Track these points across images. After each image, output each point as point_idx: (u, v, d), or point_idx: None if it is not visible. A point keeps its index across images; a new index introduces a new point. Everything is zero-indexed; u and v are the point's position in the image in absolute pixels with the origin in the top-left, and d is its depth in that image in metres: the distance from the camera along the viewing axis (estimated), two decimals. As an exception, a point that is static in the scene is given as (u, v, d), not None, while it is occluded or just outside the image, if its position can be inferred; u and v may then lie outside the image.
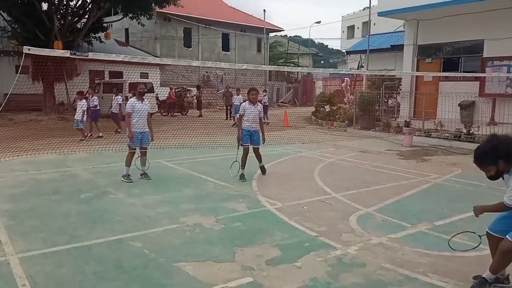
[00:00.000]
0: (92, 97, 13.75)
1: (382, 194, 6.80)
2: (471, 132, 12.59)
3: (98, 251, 4.37)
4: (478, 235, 3.76)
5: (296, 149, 11.36)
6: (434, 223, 5.36)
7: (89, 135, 13.10)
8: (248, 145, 7.76)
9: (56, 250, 4.35)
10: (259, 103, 7.94)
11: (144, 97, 7.59)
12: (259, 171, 8.10)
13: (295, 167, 8.87)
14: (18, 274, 3.77)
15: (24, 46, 5.72)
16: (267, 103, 20.31)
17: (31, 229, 4.95)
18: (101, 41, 22.88)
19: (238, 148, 7.78)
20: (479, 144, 3.52)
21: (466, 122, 13.50)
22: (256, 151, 7.91)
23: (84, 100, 12.86)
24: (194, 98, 25.29)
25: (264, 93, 20.96)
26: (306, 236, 4.89)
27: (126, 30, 33.47)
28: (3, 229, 4.92)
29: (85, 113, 12.72)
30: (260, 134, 7.90)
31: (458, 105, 14.74)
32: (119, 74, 23.85)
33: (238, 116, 8.12)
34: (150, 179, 7.50)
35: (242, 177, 7.59)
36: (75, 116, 12.72)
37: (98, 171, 8.34)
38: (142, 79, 23.09)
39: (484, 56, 14.62)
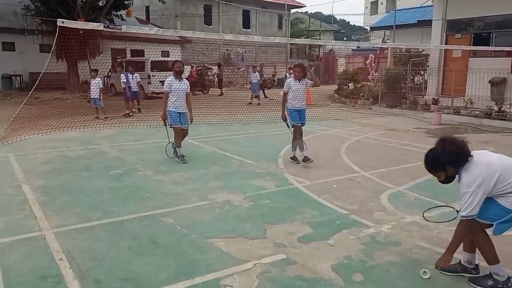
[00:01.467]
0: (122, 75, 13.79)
1: (412, 173, 6.65)
2: (502, 109, 12.18)
3: (131, 226, 4.41)
4: (456, 210, 3.58)
5: (320, 127, 11.21)
6: (469, 202, 5.20)
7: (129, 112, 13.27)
8: (299, 124, 7.10)
9: (90, 225, 4.42)
10: (305, 79, 7.12)
11: (182, 76, 7.22)
12: (284, 150, 8.01)
13: (321, 146, 8.74)
14: (55, 248, 3.84)
15: (58, 19, 5.67)
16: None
17: (64, 205, 5.03)
18: (122, 19, 22.86)
19: (289, 127, 7.20)
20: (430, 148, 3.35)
21: (497, 100, 13.05)
22: (301, 130, 7.20)
23: (98, 78, 12.78)
24: (215, 76, 25.21)
25: (290, 71, 20.59)
26: (337, 214, 4.82)
27: (147, 8, 33.37)
28: (37, 204, 5.02)
29: (101, 90, 12.69)
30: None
31: (489, 82, 14.22)
32: (141, 53, 23.92)
33: (282, 94, 7.37)
34: (185, 162, 7.11)
35: (295, 159, 7.14)
36: (91, 94, 12.67)
37: (125, 149, 8.42)
38: (164, 58, 23.14)
39: (517, 30, 13.99)
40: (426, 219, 3.91)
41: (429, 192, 5.62)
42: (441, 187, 5.83)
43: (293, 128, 7.15)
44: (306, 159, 7.00)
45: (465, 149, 3.16)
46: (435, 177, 3.41)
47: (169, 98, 7.07)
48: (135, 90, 14.07)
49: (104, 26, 6.27)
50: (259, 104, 17.40)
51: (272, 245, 3.96)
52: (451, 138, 3.28)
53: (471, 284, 3.30)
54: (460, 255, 3.49)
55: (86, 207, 4.97)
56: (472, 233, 3.25)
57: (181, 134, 7.22)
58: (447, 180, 3.33)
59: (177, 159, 7.17)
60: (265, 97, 19.88)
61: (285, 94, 7.16)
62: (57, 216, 4.67)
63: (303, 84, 7.12)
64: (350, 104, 17.48)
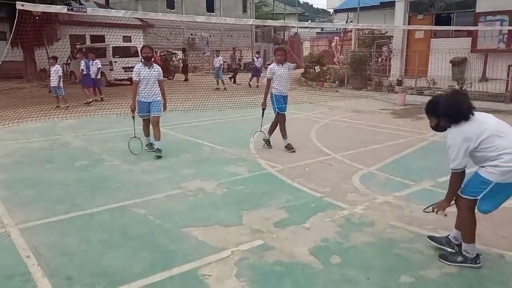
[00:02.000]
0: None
1: (381, 153, 6.77)
2: (464, 89, 12.56)
3: (101, 219, 4.26)
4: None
5: (289, 111, 11.16)
6: (437, 180, 5.34)
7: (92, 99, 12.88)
8: (284, 113, 7.02)
9: (57, 219, 4.22)
10: (287, 62, 6.88)
11: (151, 62, 6.61)
12: (256, 134, 7.95)
13: (291, 129, 8.70)
14: (21, 245, 3.65)
15: (17, 2, 5.27)
16: (260, 66, 19.79)
17: (28, 199, 4.78)
18: (80, 3, 21.88)
19: (262, 116, 7.14)
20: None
21: (458, 79, 13.45)
22: (284, 118, 7.09)
23: (58, 66, 12.20)
24: (180, 61, 24.68)
25: (257, 55, 20.38)
26: (311, 197, 4.83)
27: (106, -9, 32.06)
28: (-2, 200, 4.76)
29: (61, 78, 12.14)
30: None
31: (450, 62, 14.64)
32: (101, 38, 23.02)
33: (265, 81, 7.21)
34: (160, 156, 6.50)
35: (268, 143, 7.14)
36: (51, 83, 12.04)
37: (90, 138, 8.11)
38: (125, 43, 22.40)
39: (476, 11, 14.38)
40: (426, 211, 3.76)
41: (398, 172, 5.74)
42: (409, 167, 6.01)
43: (275, 114, 6.99)
44: (290, 147, 6.95)
45: (463, 111, 3.09)
46: (429, 122, 3.35)
47: (139, 87, 6.56)
48: (95, 77, 13.51)
49: (68, 9, 5.90)
50: (225, 89, 17.22)
51: (248, 231, 3.92)
52: (460, 96, 3.24)
53: (441, 260, 3.38)
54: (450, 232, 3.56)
55: (52, 200, 4.75)
56: (458, 209, 3.29)
57: (149, 122, 6.79)
58: (437, 128, 3.33)
59: (146, 148, 6.89)
60: (234, 82, 19.66)
61: (269, 80, 6.89)
62: (21, 211, 4.43)
63: (286, 68, 6.86)
64: (317, 87, 17.57)
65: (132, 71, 6.92)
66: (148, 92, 6.53)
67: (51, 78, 12.05)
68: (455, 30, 14.80)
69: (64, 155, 6.82)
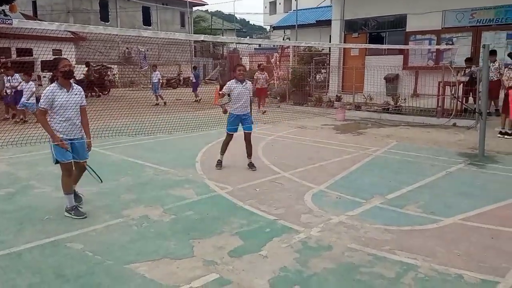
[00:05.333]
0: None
1: (329, 170, 6.74)
2: (398, 104, 13.15)
3: (31, 257, 3.72)
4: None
5: (233, 127, 11.00)
6: (386, 197, 5.37)
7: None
8: (233, 134, 6.75)
9: (-24, 262, 3.63)
10: (248, 81, 6.70)
11: (71, 81, 4.73)
12: (201, 154, 7.66)
13: (237, 147, 8.50)
14: None
15: None
16: (195, 80, 19.78)
17: None
18: (5, 15, 20.30)
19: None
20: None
21: (392, 95, 14.07)
22: (248, 137, 6.76)
23: None
24: (114, 76, 23.67)
25: (194, 70, 20.42)
26: (265, 220, 4.61)
27: (34, 2, 30.26)
28: None
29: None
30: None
31: (384, 78, 15.32)
32: (29, 52, 21.49)
33: (219, 95, 6.81)
34: (84, 216, 4.67)
35: (218, 164, 6.79)
36: None
37: (16, 162, 7.32)
38: (56, 57, 21.08)
39: (407, 30, 15.23)
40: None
41: (348, 190, 5.70)
42: (358, 183, 6.01)
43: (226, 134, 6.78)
44: (251, 165, 6.77)
45: None
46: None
47: (51, 118, 4.58)
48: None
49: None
50: (165, 103, 16.73)
51: (202, 264, 3.60)
52: None
53: None
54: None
55: (-31, 238, 4.11)
56: None
57: (74, 170, 4.82)
58: None
59: (69, 214, 4.67)
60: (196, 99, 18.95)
61: (222, 95, 6.68)
62: None
63: (246, 88, 6.53)
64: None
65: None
66: (70, 126, 4.63)
67: None
68: (387, 48, 15.54)
69: (-16, 182, 6.05)
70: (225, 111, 6.62)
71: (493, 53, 10.75)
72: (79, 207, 4.81)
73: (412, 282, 3.31)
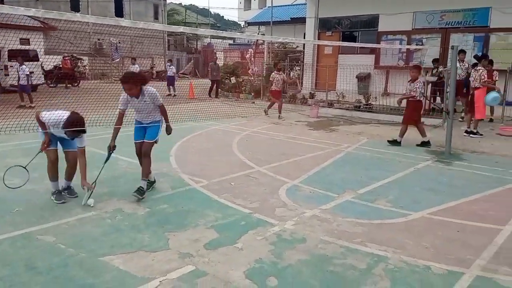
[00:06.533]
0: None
1: (303, 166, 6.84)
2: (369, 102, 13.45)
3: (1, 250, 3.63)
4: None
5: (208, 122, 10.98)
6: (358, 192, 5.51)
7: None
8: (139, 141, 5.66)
9: None
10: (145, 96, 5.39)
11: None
12: (175, 147, 7.61)
13: (212, 141, 8.54)
14: None
15: None
16: (172, 75, 19.48)
17: None
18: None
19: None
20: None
21: (363, 93, 14.37)
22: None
23: None
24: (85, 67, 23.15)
25: (169, 63, 20.07)
26: (240, 214, 4.66)
27: (-1, -12, 29.01)
28: None
29: None
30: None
31: (356, 77, 15.62)
32: (-7, 40, 20.68)
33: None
34: (64, 201, 4.88)
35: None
36: None
37: (-18, 153, 7.08)
38: (23, 46, 20.38)
39: (379, 30, 15.57)
40: None
41: (321, 184, 5.81)
42: (330, 179, 6.14)
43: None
44: (139, 191, 4.97)
45: None
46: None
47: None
48: (23, 83, 12.21)
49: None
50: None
51: (177, 256, 3.61)
52: None
53: None
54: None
55: None
56: None
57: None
58: None
59: (52, 198, 4.92)
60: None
61: (122, 114, 5.41)
62: None
63: (145, 101, 5.35)
64: (233, 98, 17.60)
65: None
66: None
67: None
68: (360, 48, 15.84)
69: None
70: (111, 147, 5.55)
71: (462, 52, 11.19)
72: (62, 193, 4.99)
73: (383, 273, 3.43)
